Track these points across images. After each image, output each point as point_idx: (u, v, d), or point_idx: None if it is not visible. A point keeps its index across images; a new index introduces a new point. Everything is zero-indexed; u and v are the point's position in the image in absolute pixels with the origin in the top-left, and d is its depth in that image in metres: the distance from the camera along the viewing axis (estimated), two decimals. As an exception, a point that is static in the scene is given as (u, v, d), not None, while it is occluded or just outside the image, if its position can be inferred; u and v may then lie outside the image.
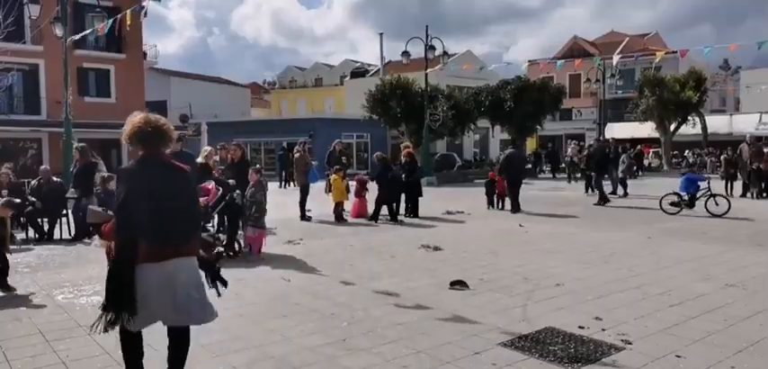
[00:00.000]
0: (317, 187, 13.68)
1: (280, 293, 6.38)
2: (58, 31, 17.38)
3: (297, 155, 13.56)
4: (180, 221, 3.47)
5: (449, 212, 13.66)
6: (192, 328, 3.63)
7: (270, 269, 7.69)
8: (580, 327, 5.01)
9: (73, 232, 10.49)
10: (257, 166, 9.84)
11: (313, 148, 14.27)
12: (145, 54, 31.70)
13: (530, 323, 5.17)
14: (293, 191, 14.86)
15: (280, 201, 13.05)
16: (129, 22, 13.18)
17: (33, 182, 11.40)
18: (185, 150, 9.74)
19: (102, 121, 24.43)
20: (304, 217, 12.80)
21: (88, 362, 4.39)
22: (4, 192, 11.56)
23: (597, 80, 35.70)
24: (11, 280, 6.54)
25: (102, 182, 7.75)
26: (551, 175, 29.43)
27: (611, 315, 5.34)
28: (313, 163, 13.77)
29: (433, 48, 25.73)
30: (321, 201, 13.47)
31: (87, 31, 19.70)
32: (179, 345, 3.59)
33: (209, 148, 10.43)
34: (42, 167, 12.05)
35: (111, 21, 16.48)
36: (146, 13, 13.81)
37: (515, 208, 13.97)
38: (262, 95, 61.70)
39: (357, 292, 6.45)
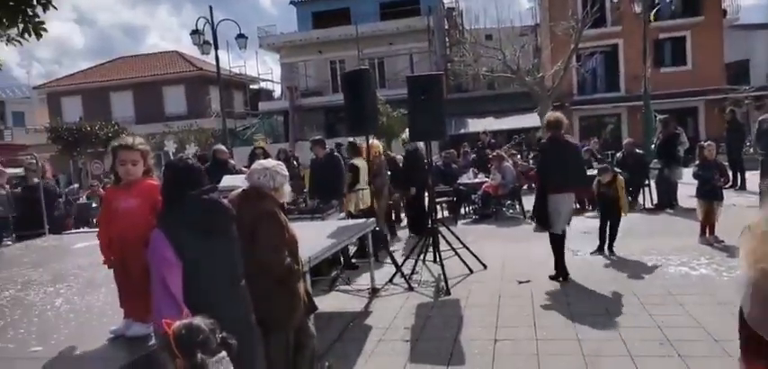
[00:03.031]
0: None
1: None
2: (638, 7, 18.20)
3: None
4: (570, 172, 6.05)
5: None
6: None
7: None
8: None
9: (655, 201, 10.82)
10: None
11: None
12: (724, 12, 29.28)
13: None
14: None
15: None
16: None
17: (618, 154, 12.31)
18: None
19: (678, 90, 24.26)
20: None
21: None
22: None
23: None
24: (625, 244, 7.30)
25: (700, 150, 7.97)
26: None
27: None
28: None
29: None
30: None
31: (662, 2, 19.80)
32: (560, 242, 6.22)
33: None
34: (626, 141, 12.76)
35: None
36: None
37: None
38: None
39: None
